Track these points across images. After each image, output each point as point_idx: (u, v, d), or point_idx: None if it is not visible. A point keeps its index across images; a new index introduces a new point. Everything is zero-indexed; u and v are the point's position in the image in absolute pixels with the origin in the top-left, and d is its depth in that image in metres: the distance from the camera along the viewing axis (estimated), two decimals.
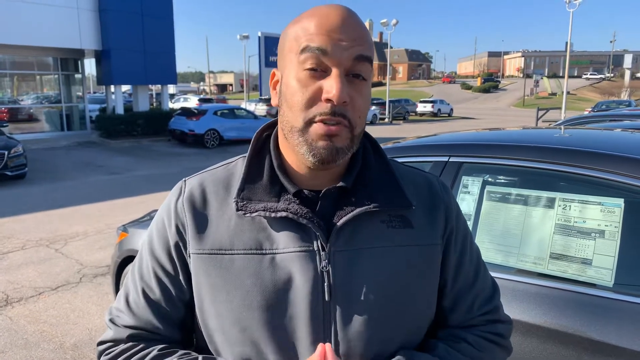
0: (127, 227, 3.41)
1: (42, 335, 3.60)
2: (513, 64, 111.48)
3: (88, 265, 5.08)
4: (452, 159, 2.02)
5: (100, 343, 0.88)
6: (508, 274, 1.71)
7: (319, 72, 0.74)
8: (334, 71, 0.73)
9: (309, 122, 0.74)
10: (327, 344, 0.73)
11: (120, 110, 17.47)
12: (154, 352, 0.83)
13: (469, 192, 1.93)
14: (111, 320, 0.88)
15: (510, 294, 1.65)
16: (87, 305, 4.12)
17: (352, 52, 0.73)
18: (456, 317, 0.90)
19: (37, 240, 5.87)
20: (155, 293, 0.85)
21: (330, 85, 0.72)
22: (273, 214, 0.78)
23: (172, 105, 25.76)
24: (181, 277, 0.84)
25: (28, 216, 6.99)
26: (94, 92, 38.82)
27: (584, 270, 1.59)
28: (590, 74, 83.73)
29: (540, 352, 1.55)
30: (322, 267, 0.78)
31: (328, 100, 0.73)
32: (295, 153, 0.79)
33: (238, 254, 0.79)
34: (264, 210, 0.78)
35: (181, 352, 0.83)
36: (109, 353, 0.85)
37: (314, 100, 0.74)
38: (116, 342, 0.86)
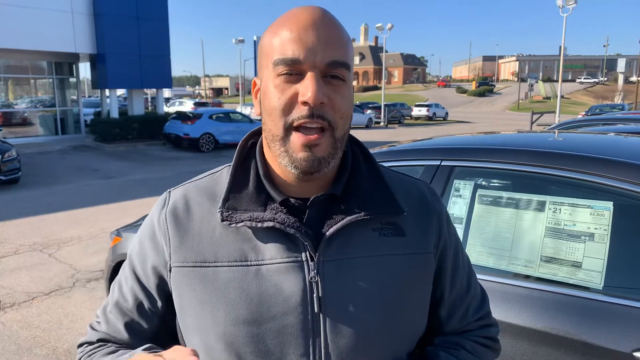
0: (120, 232, 3.40)
1: (35, 340, 3.58)
2: (508, 68, 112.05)
3: (81, 269, 5.06)
4: (444, 163, 2.03)
5: (79, 345, 0.92)
6: (499, 277, 1.72)
7: (295, 75, 0.72)
8: (309, 74, 0.71)
9: (289, 129, 0.73)
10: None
11: (115, 114, 17.42)
12: (112, 348, 0.87)
13: (460, 196, 1.94)
14: (90, 324, 0.92)
15: (502, 297, 1.66)
16: (81, 310, 4.09)
17: (325, 57, 0.71)
18: (452, 325, 0.91)
19: (31, 245, 5.84)
20: (129, 305, 0.86)
21: (306, 87, 0.71)
22: (259, 224, 0.76)
23: (167, 109, 25.75)
24: (156, 292, 0.84)
25: (21, 220, 6.95)
26: (89, 96, 38.70)
27: (574, 273, 1.60)
28: (584, 78, 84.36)
29: (531, 355, 1.56)
30: (311, 278, 0.75)
31: (305, 103, 0.71)
32: (279, 163, 0.77)
33: (222, 266, 0.77)
34: (249, 220, 0.76)
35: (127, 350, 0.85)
36: (81, 353, 0.90)
37: (291, 104, 0.72)
38: (88, 344, 0.90)
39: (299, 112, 0.72)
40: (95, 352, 0.87)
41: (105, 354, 0.85)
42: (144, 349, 0.80)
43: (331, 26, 0.74)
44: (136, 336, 0.86)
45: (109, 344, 0.87)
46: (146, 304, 0.85)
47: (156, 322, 0.86)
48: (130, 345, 0.87)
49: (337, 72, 0.73)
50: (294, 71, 0.72)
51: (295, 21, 0.73)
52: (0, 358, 3.32)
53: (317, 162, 0.74)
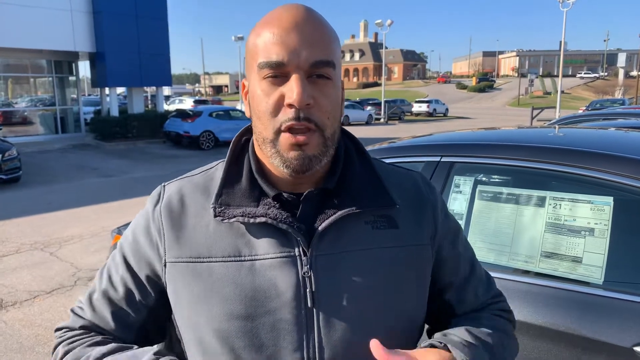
0: (121, 230, 3.40)
1: (36, 339, 3.59)
2: (508, 64, 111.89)
3: (83, 268, 5.07)
4: (444, 159, 2.03)
5: (57, 329, 0.90)
6: (500, 272, 1.72)
7: (280, 78, 0.73)
8: (293, 76, 0.72)
9: (278, 131, 0.74)
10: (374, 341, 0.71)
11: (115, 112, 17.40)
12: (97, 338, 0.84)
13: (460, 192, 1.94)
14: (72, 310, 0.90)
15: (502, 292, 1.66)
16: None
17: (309, 58, 0.72)
18: (464, 307, 0.91)
19: (32, 244, 5.85)
20: (119, 295, 0.85)
21: (290, 90, 0.71)
22: (252, 220, 0.76)
23: (167, 107, 25.69)
24: (148, 284, 0.84)
25: (22, 219, 6.97)
26: (89, 95, 38.68)
27: (574, 268, 1.60)
28: (585, 73, 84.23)
29: (531, 350, 1.56)
30: (304, 273, 0.76)
31: (290, 105, 0.72)
32: (270, 163, 0.78)
33: (216, 261, 0.77)
34: (242, 215, 0.77)
35: (117, 344, 0.83)
36: (61, 337, 0.87)
37: (278, 107, 0.73)
38: (69, 329, 0.88)
39: (286, 115, 0.72)
40: (78, 340, 0.85)
41: (90, 345, 0.83)
42: (155, 354, 0.78)
43: (314, 25, 0.74)
44: (123, 326, 0.86)
45: (93, 334, 0.86)
46: (137, 295, 0.84)
47: (144, 314, 0.86)
48: (117, 336, 0.86)
49: (322, 71, 0.74)
50: (278, 74, 0.73)
51: (278, 23, 0.73)
52: (3, 357, 3.33)
53: (308, 160, 0.74)
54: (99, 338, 0.85)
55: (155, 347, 0.81)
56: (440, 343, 0.78)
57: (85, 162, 12.86)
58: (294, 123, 0.72)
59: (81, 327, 0.87)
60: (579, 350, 1.47)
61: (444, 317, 0.91)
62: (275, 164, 0.76)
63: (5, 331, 3.69)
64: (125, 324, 0.86)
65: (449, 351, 0.77)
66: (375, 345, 0.70)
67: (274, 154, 0.75)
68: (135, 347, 0.82)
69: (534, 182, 1.82)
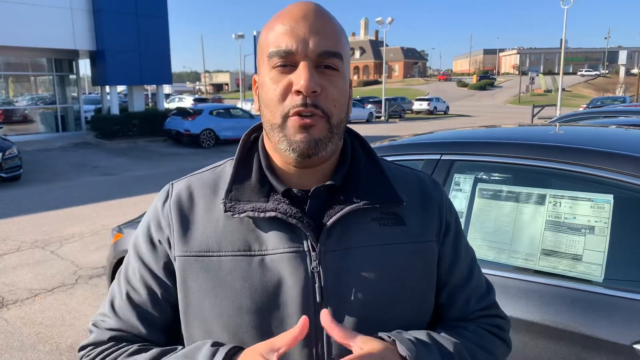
0: (122, 228, 3.40)
1: (37, 337, 3.60)
2: (508, 61, 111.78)
3: (84, 266, 5.07)
4: (444, 157, 2.02)
5: (81, 348, 0.87)
6: (500, 270, 1.72)
7: (289, 67, 0.75)
8: (302, 64, 0.73)
9: (286, 117, 0.75)
10: (324, 310, 0.70)
11: (115, 110, 17.41)
12: (134, 347, 0.82)
13: (460, 190, 1.94)
14: (94, 324, 0.88)
15: (502, 290, 1.66)
16: (83, 307, 4.11)
17: (317, 47, 0.74)
18: (453, 312, 0.90)
19: (33, 242, 5.86)
20: (141, 296, 0.84)
21: (298, 77, 0.73)
22: (262, 214, 0.77)
23: (167, 105, 25.72)
24: (168, 280, 0.83)
25: (23, 218, 6.97)
26: (89, 93, 38.66)
27: (574, 266, 1.60)
28: (586, 71, 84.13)
29: (532, 348, 1.57)
30: (313, 268, 0.76)
31: (298, 92, 0.73)
32: (279, 152, 0.78)
33: (226, 255, 0.78)
34: (252, 210, 0.77)
35: (160, 349, 0.81)
36: (88, 355, 0.85)
37: (286, 94, 0.74)
38: (97, 344, 0.85)
39: (293, 102, 0.74)
40: (111, 354, 0.82)
41: (129, 355, 0.80)
42: (161, 350, 0.77)
43: (323, 18, 0.76)
44: (152, 329, 0.84)
45: (127, 343, 0.84)
46: (159, 293, 0.84)
47: (170, 313, 0.85)
48: (149, 340, 0.84)
49: (330, 62, 0.75)
50: (287, 62, 0.74)
51: (288, 16, 0.76)
52: (4, 354, 3.34)
53: (314, 144, 0.75)
54: (135, 347, 0.82)
55: (211, 340, 0.78)
56: (389, 337, 0.74)
57: (86, 160, 12.87)
58: (301, 109, 0.73)
59: (110, 339, 0.84)
60: (579, 348, 1.48)
61: (432, 319, 0.89)
62: (282, 149, 0.76)
63: (7, 329, 3.70)
64: (154, 326, 0.84)
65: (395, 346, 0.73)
66: (326, 316, 0.69)
67: (281, 139, 0.76)
68: (180, 347, 0.81)
69: (534, 179, 1.82)
